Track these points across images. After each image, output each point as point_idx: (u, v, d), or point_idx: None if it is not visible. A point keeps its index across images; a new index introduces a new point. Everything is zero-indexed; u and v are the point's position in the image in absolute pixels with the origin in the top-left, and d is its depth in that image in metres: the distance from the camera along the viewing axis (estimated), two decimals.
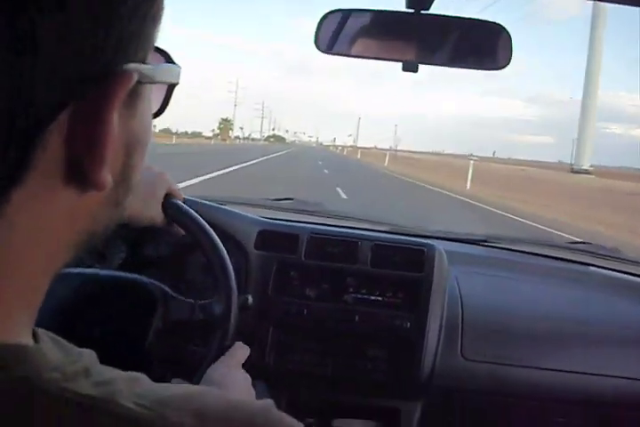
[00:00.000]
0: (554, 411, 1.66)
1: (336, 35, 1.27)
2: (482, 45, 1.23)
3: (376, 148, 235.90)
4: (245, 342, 1.54)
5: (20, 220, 0.39)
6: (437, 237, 2.08)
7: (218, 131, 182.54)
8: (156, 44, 0.46)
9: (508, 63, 1.21)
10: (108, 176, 0.41)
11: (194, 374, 1.22)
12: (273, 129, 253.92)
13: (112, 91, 0.39)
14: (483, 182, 26.63)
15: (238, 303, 1.29)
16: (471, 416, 1.69)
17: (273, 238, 1.66)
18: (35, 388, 0.38)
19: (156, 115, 0.52)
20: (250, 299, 1.38)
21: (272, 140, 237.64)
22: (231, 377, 1.20)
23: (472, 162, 28.07)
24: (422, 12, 1.20)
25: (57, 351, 0.43)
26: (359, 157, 77.83)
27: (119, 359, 1.24)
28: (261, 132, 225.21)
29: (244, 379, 1.22)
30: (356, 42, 1.28)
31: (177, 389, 0.49)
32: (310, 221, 2.03)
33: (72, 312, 1.23)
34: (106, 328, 1.25)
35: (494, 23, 1.21)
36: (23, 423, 0.38)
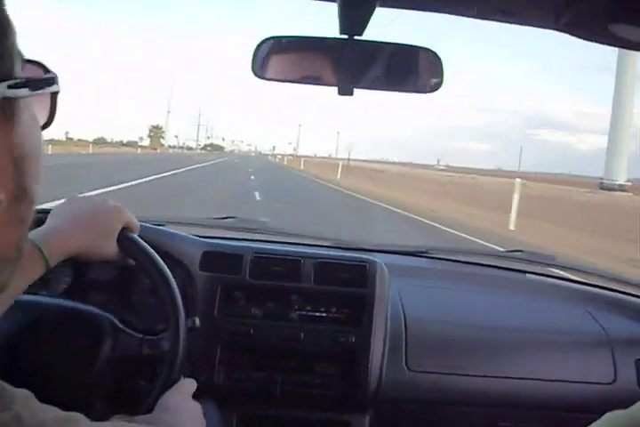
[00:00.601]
0: (498, 416, 1.71)
1: (272, 61, 1.29)
2: (414, 70, 1.27)
3: (315, 156, 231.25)
4: (193, 362, 1.55)
5: None
6: (379, 251, 2.12)
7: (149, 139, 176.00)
8: (27, 57, 0.46)
9: (439, 87, 1.25)
10: None
11: (138, 407, 1.21)
12: (209, 137, 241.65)
13: None
14: (536, 217, 18.14)
15: (185, 330, 1.29)
16: (418, 426, 1.73)
17: (217, 259, 1.67)
18: None
19: (45, 125, 0.52)
20: (197, 321, 1.39)
21: (209, 148, 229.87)
22: (184, 405, 1.21)
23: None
24: (355, 37, 1.23)
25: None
26: (302, 167, 61.87)
27: (61, 393, 1.23)
28: (197, 140, 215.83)
29: (197, 408, 1.23)
30: (292, 68, 1.31)
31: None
32: (254, 238, 2.04)
33: (15, 342, 1.21)
34: (49, 360, 1.23)
35: (426, 48, 1.25)
36: None
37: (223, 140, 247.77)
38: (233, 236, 2.01)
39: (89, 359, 1.26)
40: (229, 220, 2.24)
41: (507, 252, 2.20)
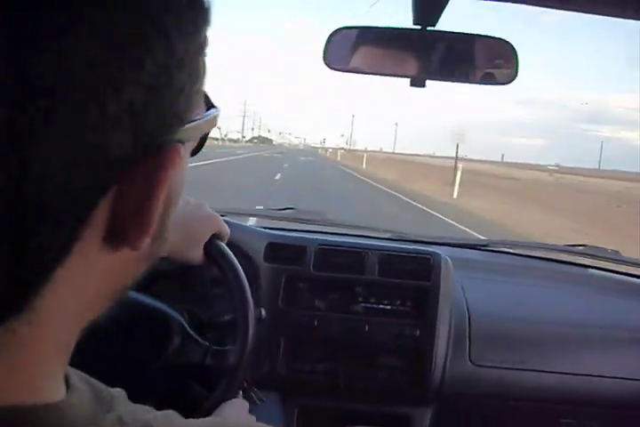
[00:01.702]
0: (560, 412, 1.70)
1: (344, 52, 1.29)
2: (488, 61, 1.25)
3: (381, 150, 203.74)
4: (257, 353, 1.56)
5: (59, 291, 0.38)
6: (439, 244, 2.11)
7: None
8: None
9: (514, 78, 1.23)
10: (148, 240, 0.40)
11: (189, 414, 1.20)
12: (253, 128, 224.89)
13: (163, 166, 0.38)
14: None
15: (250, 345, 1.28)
16: (479, 420, 1.72)
17: (281, 251, 1.68)
18: None
19: (192, 154, 0.49)
20: (263, 312, 1.39)
21: (256, 141, 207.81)
22: (241, 417, 1.21)
23: None
24: (429, 28, 1.22)
25: (88, 400, 0.42)
26: (366, 167, 47.05)
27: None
28: (242, 131, 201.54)
29: (253, 422, 1.23)
30: (364, 58, 1.30)
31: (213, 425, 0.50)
32: (314, 230, 2.05)
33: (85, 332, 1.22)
34: (111, 351, 1.23)
35: (500, 39, 1.23)
36: None
37: (269, 131, 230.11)
38: (294, 227, 2.02)
39: (151, 359, 1.27)
40: (288, 211, 2.25)
41: (570, 246, 2.17)
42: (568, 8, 1.15)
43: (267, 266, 1.65)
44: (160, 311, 1.31)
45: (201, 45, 0.40)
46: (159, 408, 1.34)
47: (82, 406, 0.41)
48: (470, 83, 1.28)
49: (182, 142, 0.40)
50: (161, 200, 0.39)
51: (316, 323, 1.62)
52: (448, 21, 1.26)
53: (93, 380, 0.46)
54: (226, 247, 1.26)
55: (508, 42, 1.23)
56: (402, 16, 1.33)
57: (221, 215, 1.73)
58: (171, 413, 0.50)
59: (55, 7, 0.31)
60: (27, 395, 0.39)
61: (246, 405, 1.25)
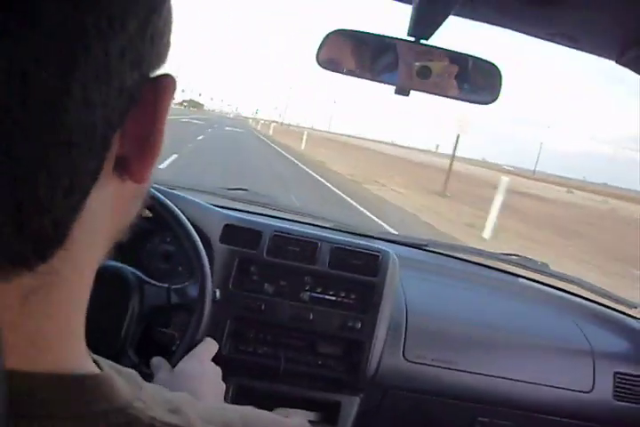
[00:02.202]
0: (478, 411, 1.80)
1: (337, 53, 1.32)
2: (474, 80, 1.31)
3: (311, 128, 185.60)
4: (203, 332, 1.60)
5: (88, 221, 0.40)
6: (382, 239, 2.18)
7: None
8: None
9: (495, 100, 1.30)
10: (151, 171, 0.44)
11: (165, 356, 1.26)
12: (183, 90, 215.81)
13: (164, 95, 0.43)
14: None
15: (211, 277, 1.33)
16: (404, 412, 1.81)
17: (237, 233, 1.71)
18: (133, 420, 0.41)
19: None
20: (217, 293, 1.43)
21: (185, 104, 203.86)
22: (203, 369, 1.26)
23: None
24: (422, 41, 1.27)
25: (120, 377, 0.45)
26: (303, 147, 39.08)
27: (98, 346, 1.28)
28: None
29: (215, 372, 1.28)
30: (355, 62, 1.34)
31: (232, 412, 0.54)
32: (265, 213, 2.08)
33: None
34: None
35: (490, 62, 1.29)
36: None
37: (200, 95, 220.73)
38: (245, 208, 2.04)
39: (120, 312, 1.31)
40: (241, 192, 2.27)
41: (503, 254, 2.27)
42: (555, 41, 1.22)
43: (222, 247, 1.68)
44: (112, 267, 1.37)
45: None
46: (141, 357, 1.37)
47: (119, 383, 0.43)
48: (454, 99, 1.34)
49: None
50: (163, 129, 0.43)
51: (263, 307, 1.66)
52: (441, 36, 1.31)
53: (112, 364, 0.48)
54: (156, 192, 1.30)
55: (495, 65, 1.29)
56: (398, 25, 1.37)
57: (171, 189, 1.76)
58: (186, 395, 0.52)
59: None
60: (74, 361, 0.42)
61: (214, 347, 1.30)
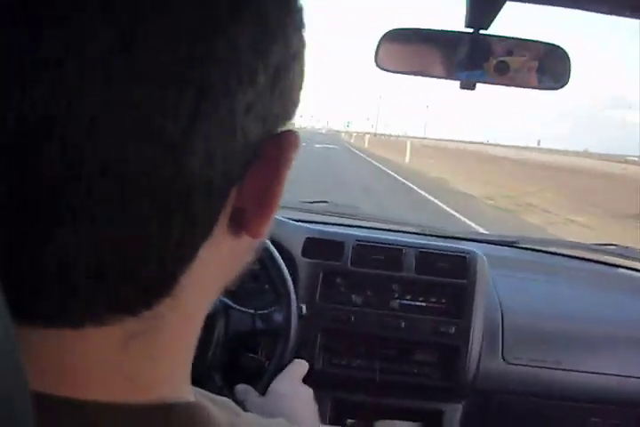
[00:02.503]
0: (589, 411, 1.71)
1: (396, 53, 1.30)
2: (540, 66, 1.26)
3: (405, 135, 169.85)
4: (294, 348, 1.59)
5: (199, 272, 0.40)
6: (470, 239, 2.12)
7: None
8: None
9: (567, 83, 1.24)
10: (268, 226, 0.42)
11: (253, 382, 1.26)
12: None
13: (287, 149, 0.41)
14: None
15: (297, 302, 1.32)
16: (510, 417, 1.74)
17: (319, 246, 1.69)
18: None
19: None
20: (304, 308, 1.42)
21: None
22: (295, 390, 1.24)
23: None
24: (481, 31, 1.23)
25: (214, 406, 0.44)
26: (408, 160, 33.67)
27: None
28: None
29: (307, 393, 1.26)
30: (416, 60, 1.32)
31: None
32: (349, 224, 2.07)
33: None
34: None
35: (553, 44, 1.24)
36: None
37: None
38: (327, 221, 2.03)
39: (205, 337, 1.30)
40: (322, 204, 2.26)
41: (599, 245, 2.18)
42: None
43: (305, 261, 1.67)
44: None
45: (304, 42, 0.43)
46: (227, 383, 1.38)
47: (215, 409, 0.42)
48: (521, 86, 1.29)
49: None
50: (283, 185, 0.42)
51: (352, 318, 1.64)
52: (499, 25, 1.27)
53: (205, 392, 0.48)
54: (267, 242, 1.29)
55: (560, 47, 1.24)
56: (454, 17, 1.34)
57: None
58: (282, 422, 0.51)
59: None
60: (177, 390, 0.41)
61: (304, 367, 1.29)
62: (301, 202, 2.26)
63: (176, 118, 0.33)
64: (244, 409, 0.49)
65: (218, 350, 1.36)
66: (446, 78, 1.29)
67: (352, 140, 77.79)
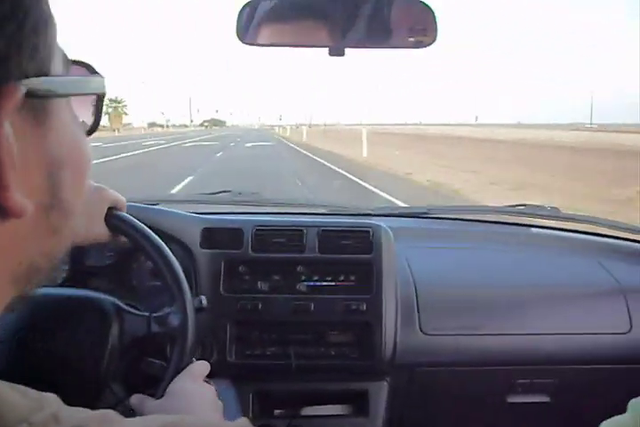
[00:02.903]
0: (514, 373, 1.71)
1: (257, 26, 1.24)
2: (407, 25, 1.21)
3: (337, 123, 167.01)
4: (203, 342, 1.53)
5: None
6: (379, 215, 2.09)
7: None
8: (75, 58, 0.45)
9: (434, 41, 1.20)
10: (23, 201, 0.39)
11: (152, 387, 1.19)
12: (197, 111, 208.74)
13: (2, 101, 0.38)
14: None
15: (192, 305, 1.26)
16: (436, 389, 1.73)
17: (217, 235, 1.64)
18: None
19: (90, 131, 0.50)
20: (204, 300, 1.36)
21: (206, 124, 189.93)
22: (195, 389, 1.19)
23: None
24: None
25: (19, 400, 0.41)
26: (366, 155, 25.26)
27: (78, 381, 1.21)
28: (190, 114, 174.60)
29: (209, 391, 1.21)
30: (278, 31, 1.25)
31: (152, 423, 0.48)
32: (252, 211, 2.01)
33: (23, 335, 1.18)
34: (60, 349, 1.20)
35: (419, 2, 1.19)
36: None
37: (217, 112, 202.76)
38: (231, 210, 1.97)
39: (99, 344, 1.24)
40: (224, 194, 2.20)
41: (510, 206, 2.17)
42: None
43: (204, 252, 1.61)
44: (88, 297, 1.30)
45: None
46: (126, 388, 1.32)
47: (10, 405, 0.39)
48: (390, 48, 1.24)
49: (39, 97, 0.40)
50: (13, 151, 0.38)
51: (260, 306, 1.59)
52: None
53: (21, 386, 0.44)
54: (127, 215, 1.24)
55: (426, 4, 1.20)
56: None
57: (153, 204, 1.70)
58: (110, 413, 0.48)
59: None
60: None
61: (205, 368, 1.23)
62: (201, 194, 2.20)
63: None
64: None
65: (114, 359, 1.29)
66: (314, 46, 1.24)
67: (287, 134, 69.32)
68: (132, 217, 1.24)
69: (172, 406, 1.11)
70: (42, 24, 0.41)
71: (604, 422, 0.75)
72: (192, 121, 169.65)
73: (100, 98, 0.50)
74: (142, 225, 1.25)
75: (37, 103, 0.40)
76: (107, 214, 1.20)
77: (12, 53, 0.38)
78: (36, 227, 0.43)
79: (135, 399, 1.18)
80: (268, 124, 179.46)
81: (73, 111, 0.46)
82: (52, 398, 0.44)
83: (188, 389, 1.17)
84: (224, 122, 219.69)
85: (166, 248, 1.26)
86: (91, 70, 0.50)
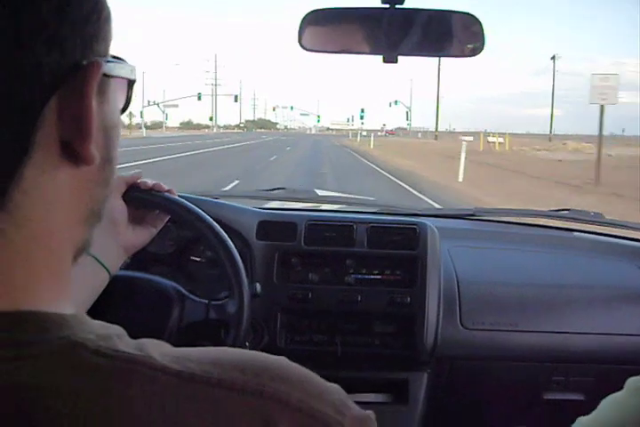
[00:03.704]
0: (551, 371, 1.77)
1: (319, 33, 1.35)
2: (456, 35, 1.31)
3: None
4: (255, 327, 1.63)
5: (34, 193, 0.46)
6: (427, 215, 2.17)
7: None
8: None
9: (481, 50, 1.29)
10: (95, 151, 0.49)
11: None
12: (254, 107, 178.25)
13: (88, 78, 0.48)
14: None
15: (249, 292, 1.35)
16: (475, 382, 1.80)
17: (273, 228, 1.74)
18: (74, 344, 0.45)
19: (123, 110, 0.60)
20: (258, 287, 1.46)
21: (243, 126, 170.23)
22: None
23: None
24: (397, 6, 1.28)
25: (91, 320, 0.50)
26: None
27: None
28: (214, 119, 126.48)
29: None
30: (338, 39, 1.37)
31: (195, 349, 0.57)
32: (304, 207, 2.11)
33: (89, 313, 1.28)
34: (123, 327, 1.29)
35: (467, 13, 1.29)
36: (67, 375, 0.44)
37: (274, 110, 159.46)
38: (285, 206, 2.08)
39: (159, 326, 1.33)
40: (279, 191, 2.31)
41: (554, 211, 2.23)
42: None
43: (259, 243, 1.71)
44: (154, 281, 1.40)
45: None
46: None
47: (84, 322, 0.49)
48: (441, 56, 1.35)
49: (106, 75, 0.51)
50: (93, 110, 0.49)
51: (310, 296, 1.68)
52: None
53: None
54: (144, 194, 1.31)
55: (473, 16, 1.29)
56: None
57: (215, 198, 1.81)
58: (161, 342, 0.55)
59: None
60: (25, 301, 0.47)
61: None
62: (258, 190, 2.31)
63: None
64: None
65: (171, 341, 1.38)
66: (369, 54, 1.34)
67: (356, 144, 54.73)
68: (192, 206, 1.34)
69: None
70: (109, 16, 0.52)
71: (604, 399, 0.82)
72: (217, 125, 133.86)
73: (130, 85, 0.60)
74: (202, 213, 1.35)
75: (104, 79, 0.51)
76: (126, 192, 1.26)
77: (97, 37, 0.50)
78: (97, 176, 0.53)
79: None
80: (335, 128, 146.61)
81: (114, 90, 0.56)
82: (118, 327, 0.53)
83: None
84: (275, 124, 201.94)
85: (228, 239, 1.35)
86: (123, 62, 0.59)
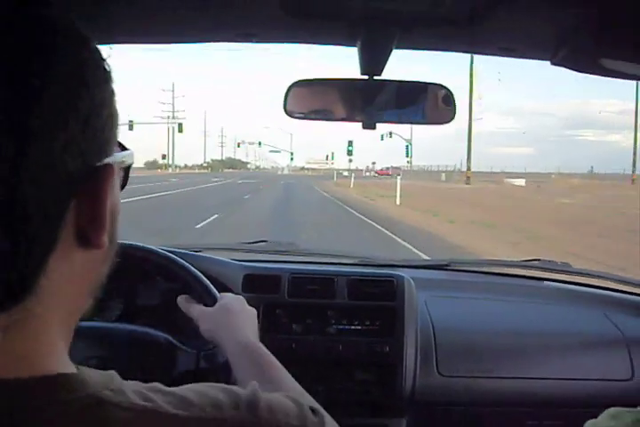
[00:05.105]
0: (525, 415, 1.84)
1: (302, 102, 1.45)
2: (430, 104, 1.42)
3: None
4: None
5: (54, 275, 0.54)
6: (404, 266, 2.26)
7: None
8: None
9: (453, 118, 1.40)
10: (105, 239, 0.57)
11: None
12: (221, 145, 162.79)
13: (103, 180, 0.56)
14: None
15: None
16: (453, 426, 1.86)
17: (257, 281, 1.83)
18: (99, 402, 0.53)
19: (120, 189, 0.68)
20: None
21: (206, 165, 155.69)
22: (243, 307, 1.39)
23: None
24: (375, 77, 1.39)
25: (97, 374, 0.57)
26: None
27: None
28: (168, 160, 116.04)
29: (253, 312, 1.41)
30: (320, 107, 1.47)
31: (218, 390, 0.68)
32: (287, 260, 2.19)
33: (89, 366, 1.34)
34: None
35: (438, 84, 1.40)
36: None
37: (239, 146, 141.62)
38: (267, 258, 2.15)
39: (153, 377, 1.39)
40: (261, 243, 2.38)
41: (524, 261, 2.33)
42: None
43: (245, 296, 1.78)
44: (145, 333, 1.46)
45: (112, 93, 0.59)
46: None
47: (94, 379, 0.56)
48: (417, 124, 1.45)
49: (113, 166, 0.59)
50: (108, 207, 0.57)
51: (294, 346, 1.76)
52: (392, 69, 1.42)
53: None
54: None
55: (445, 87, 1.40)
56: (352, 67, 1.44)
57: (197, 251, 1.88)
58: (157, 385, 0.65)
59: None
60: (50, 365, 0.54)
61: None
62: (241, 243, 2.38)
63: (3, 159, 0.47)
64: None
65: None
66: (349, 121, 1.44)
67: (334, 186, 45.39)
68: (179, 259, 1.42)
69: (222, 318, 1.31)
70: (117, 117, 0.60)
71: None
72: (169, 165, 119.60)
73: (128, 167, 0.68)
74: (190, 267, 1.44)
75: (111, 169, 0.59)
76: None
77: (110, 141, 0.59)
78: (104, 256, 0.61)
79: (182, 299, 1.44)
80: (311, 168, 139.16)
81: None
82: (115, 375, 0.60)
83: (238, 305, 1.36)
84: (246, 163, 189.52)
85: (214, 289, 1.43)
86: (122, 147, 0.67)
